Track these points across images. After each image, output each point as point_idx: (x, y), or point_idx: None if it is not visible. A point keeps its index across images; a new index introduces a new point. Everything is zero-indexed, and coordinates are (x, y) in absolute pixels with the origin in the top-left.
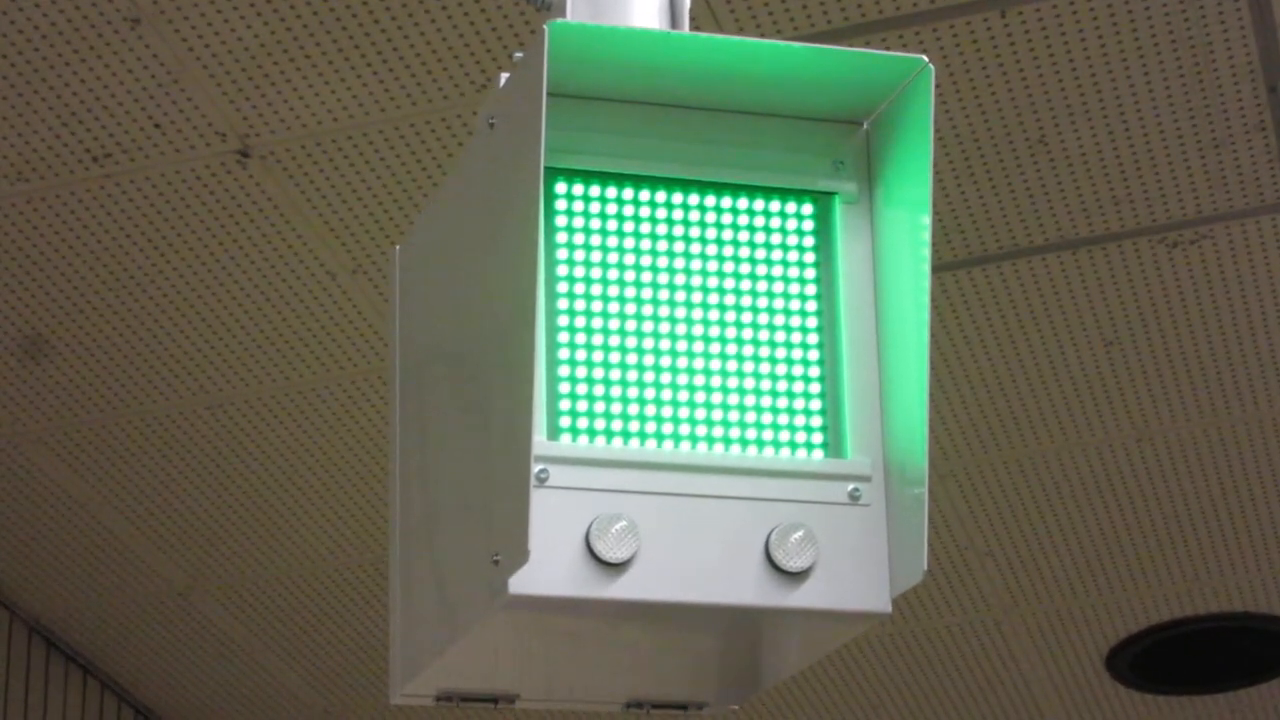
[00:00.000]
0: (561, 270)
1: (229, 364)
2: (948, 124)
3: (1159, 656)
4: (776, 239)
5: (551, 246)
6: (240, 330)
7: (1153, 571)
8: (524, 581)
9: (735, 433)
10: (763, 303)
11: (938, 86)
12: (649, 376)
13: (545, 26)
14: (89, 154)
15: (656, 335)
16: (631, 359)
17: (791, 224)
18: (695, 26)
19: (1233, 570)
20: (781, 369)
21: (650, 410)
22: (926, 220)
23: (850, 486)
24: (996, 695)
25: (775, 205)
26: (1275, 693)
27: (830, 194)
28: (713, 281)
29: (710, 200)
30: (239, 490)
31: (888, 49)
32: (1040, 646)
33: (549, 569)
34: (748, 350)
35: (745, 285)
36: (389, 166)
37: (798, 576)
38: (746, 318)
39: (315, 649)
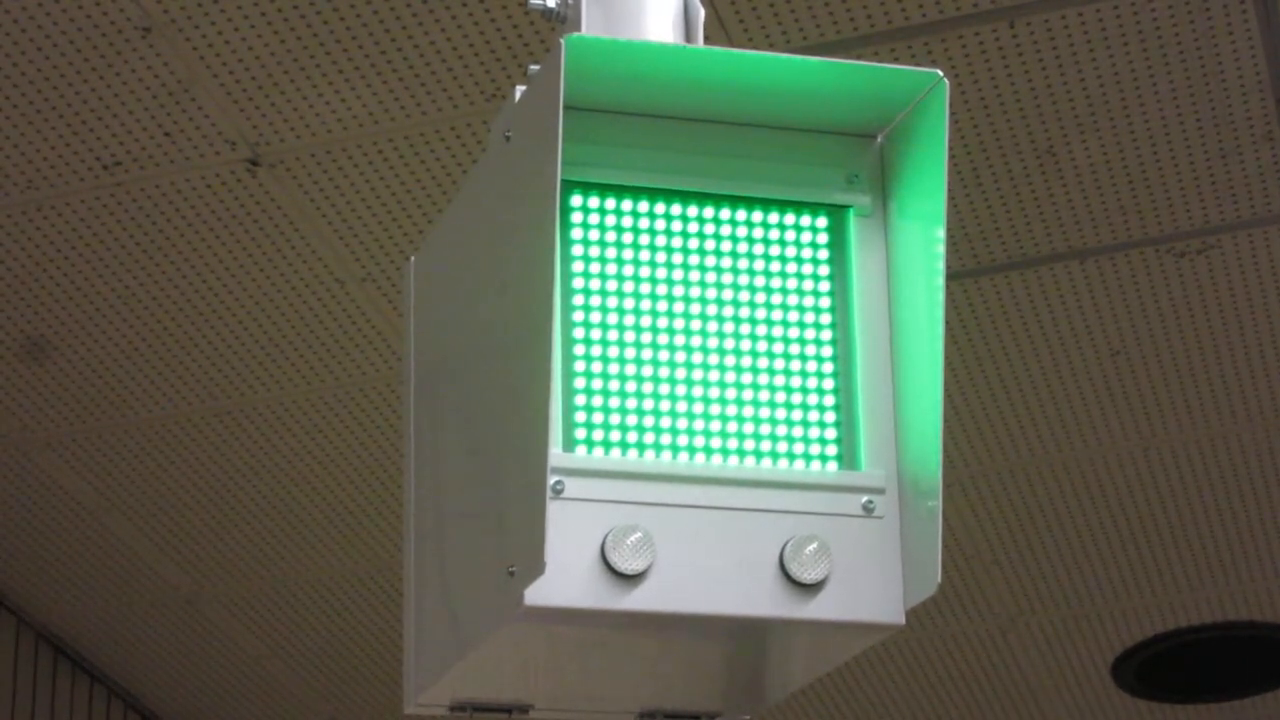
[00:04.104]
0: (577, 283)
1: (237, 371)
2: (956, 134)
3: (1165, 665)
4: (791, 252)
5: (567, 259)
6: (249, 338)
7: (1159, 580)
8: (539, 593)
9: (750, 445)
10: (777, 315)
11: None
12: (664, 389)
13: (561, 40)
14: (99, 162)
15: (671, 347)
16: (646, 371)
17: (806, 237)
18: (706, 38)
19: (1239, 579)
20: (796, 381)
21: (665, 422)
22: (940, 233)
23: (864, 499)
24: (1002, 704)
25: (789, 218)
26: None
27: (844, 207)
28: (727, 294)
29: (725, 213)
30: (247, 497)
31: (897, 60)
32: (1046, 655)
33: (564, 580)
34: (762, 363)
35: (760, 298)
36: (398, 175)
37: (812, 588)
38: (761, 330)
39: (323, 656)
